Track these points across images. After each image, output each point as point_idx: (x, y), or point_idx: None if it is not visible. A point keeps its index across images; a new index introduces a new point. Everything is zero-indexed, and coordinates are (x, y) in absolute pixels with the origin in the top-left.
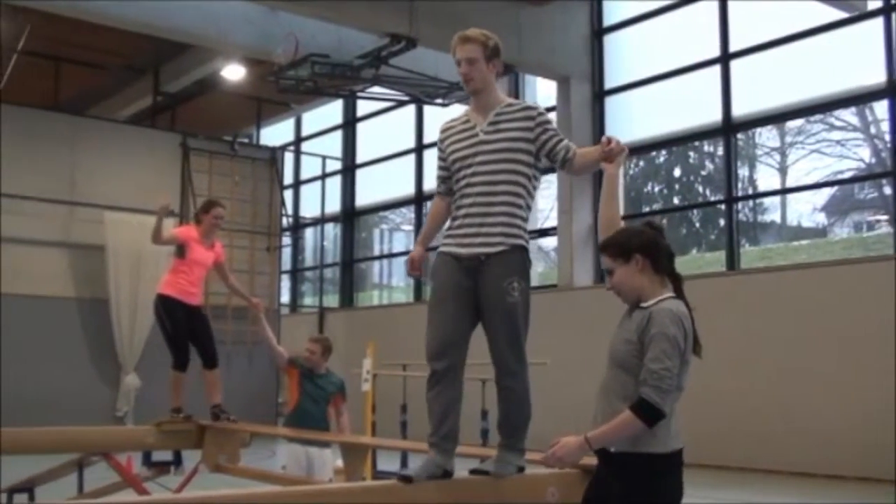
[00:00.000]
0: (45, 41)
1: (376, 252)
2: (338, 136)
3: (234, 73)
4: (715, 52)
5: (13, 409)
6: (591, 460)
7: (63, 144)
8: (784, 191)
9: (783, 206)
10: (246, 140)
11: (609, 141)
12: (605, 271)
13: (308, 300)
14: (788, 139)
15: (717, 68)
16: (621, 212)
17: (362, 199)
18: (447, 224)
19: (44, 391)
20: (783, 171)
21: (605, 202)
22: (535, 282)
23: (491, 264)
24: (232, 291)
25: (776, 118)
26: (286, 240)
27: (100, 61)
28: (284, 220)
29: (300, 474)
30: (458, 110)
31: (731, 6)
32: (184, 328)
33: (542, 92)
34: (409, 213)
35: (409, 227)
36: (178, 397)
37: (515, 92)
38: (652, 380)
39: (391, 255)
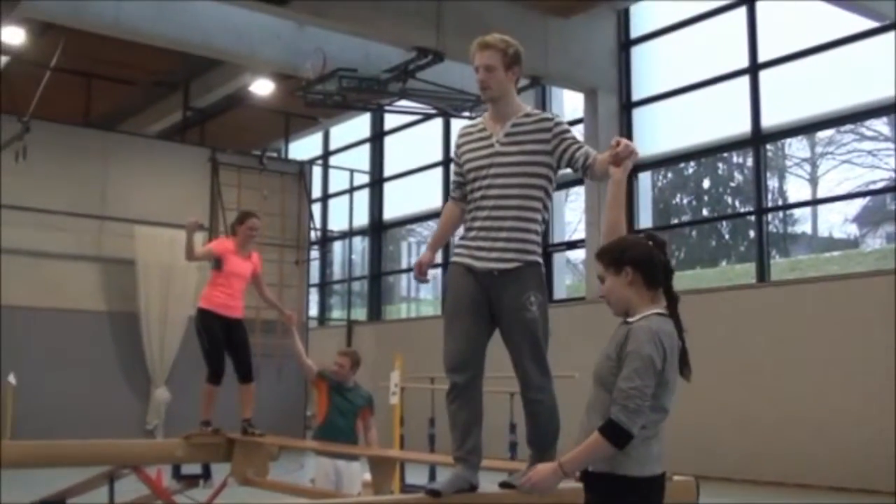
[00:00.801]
0: (76, 58)
1: (404, 265)
2: (365, 149)
3: (262, 88)
4: (744, 62)
5: (47, 421)
6: None
7: (94, 160)
8: (815, 202)
9: (814, 217)
10: (274, 154)
11: (618, 143)
12: (599, 279)
13: (336, 313)
14: (819, 150)
15: (745, 79)
16: (649, 222)
17: (390, 212)
18: (461, 233)
19: (76, 404)
20: (814, 181)
21: (610, 207)
22: (563, 294)
23: (505, 281)
24: (266, 303)
25: (806, 128)
26: (314, 253)
27: (130, 77)
28: (313, 234)
29: (329, 488)
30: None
31: (759, 16)
32: (220, 342)
33: (569, 104)
34: (436, 225)
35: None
36: (208, 410)
37: (542, 104)
38: (621, 399)
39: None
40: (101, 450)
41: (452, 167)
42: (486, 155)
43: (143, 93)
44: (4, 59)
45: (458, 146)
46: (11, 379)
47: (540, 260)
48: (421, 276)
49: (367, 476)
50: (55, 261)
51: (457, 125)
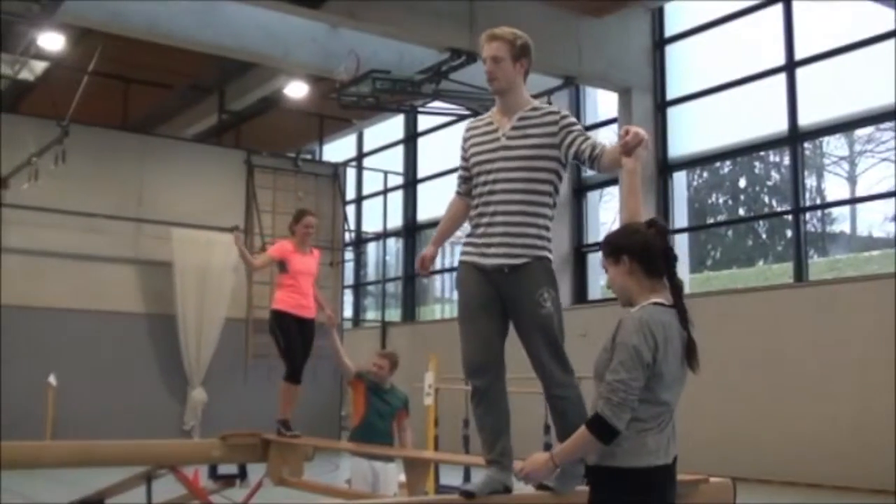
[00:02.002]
0: (114, 63)
1: (438, 266)
2: (399, 151)
3: (297, 90)
4: (780, 59)
5: (86, 422)
6: None
7: (132, 163)
8: (853, 200)
9: (853, 216)
10: (309, 156)
11: (626, 132)
12: (604, 269)
13: (370, 314)
14: (857, 147)
15: (782, 76)
16: (685, 222)
17: (424, 213)
18: (468, 230)
19: (114, 405)
20: (852, 180)
21: (626, 198)
22: (597, 294)
23: (516, 277)
24: (315, 301)
25: (844, 126)
26: (349, 254)
27: (167, 81)
28: (347, 235)
29: (365, 489)
30: None
31: (795, 13)
32: (296, 341)
33: (603, 104)
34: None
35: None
36: (286, 409)
37: (576, 104)
38: (605, 392)
39: (453, 269)
40: (138, 450)
41: (459, 161)
42: (493, 149)
43: (180, 96)
44: (44, 64)
45: (465, 140)
46: (52, 380)
47: (549, 255)
48: (423, 271)
49: (403, 477)
50: (94, 263)
51: None
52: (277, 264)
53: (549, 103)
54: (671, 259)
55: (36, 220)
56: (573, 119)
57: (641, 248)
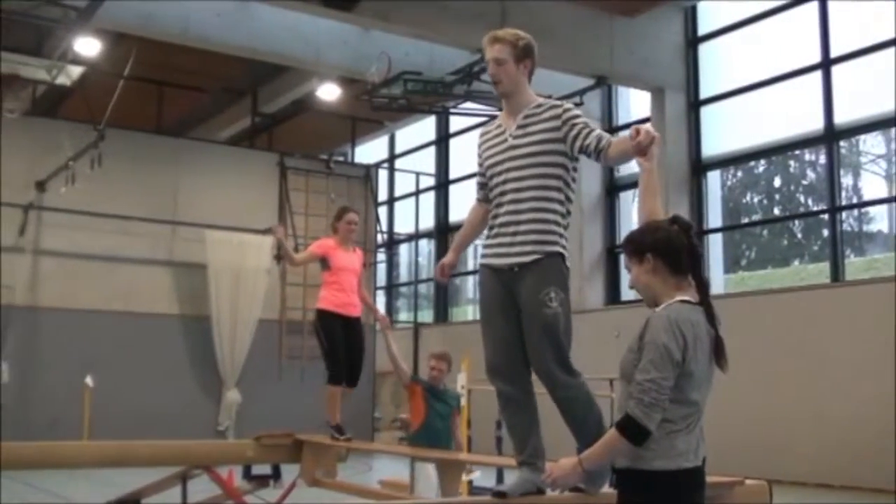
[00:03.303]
0: (148, 67)
1: (470, 267)
2: (431, 152)
3: (329, 92)
4: (815, 57)
5: (122, 422)
6: None
7: (166, 166)
8: (891, 199)
9: (890, 214)
10: (341, 158)
11: (638, 132)
12: (626, 268)
13: (403, 315)
14: (895, 145)
15: (817, 74)
16: (719, 222)
17: (456, 214)
18: (486, 233)
19: (150, 405)
20: (890, 178)
21: (643, 197)
22: (630, 295)
23: (525, 275)
24: (362, 301)
25: (881, 124)
26: (381, 256)
27: (200, 85)
28: (379, 237)
29: (429, 494)
30: None
31: (831, 10)
32: (340, 342)
33: (636, 103)
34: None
35: None
36: (335, 413)
37: (608, 104)
38: (636, 393)
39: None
40: (174, 450)
41: (476, 168)
42: (502, 150)
43: (213, 100)
44: (80, 69)
45: (479, 146)
46: (89, 381)
47: (562, 251)
48: (443, 278)
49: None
50: (129, 265)
51: None
52: (320, 261)
53: (581, 103)
54: (696, 256)
55: (73, 223)
56: (577, 112)
57: (665, 246)
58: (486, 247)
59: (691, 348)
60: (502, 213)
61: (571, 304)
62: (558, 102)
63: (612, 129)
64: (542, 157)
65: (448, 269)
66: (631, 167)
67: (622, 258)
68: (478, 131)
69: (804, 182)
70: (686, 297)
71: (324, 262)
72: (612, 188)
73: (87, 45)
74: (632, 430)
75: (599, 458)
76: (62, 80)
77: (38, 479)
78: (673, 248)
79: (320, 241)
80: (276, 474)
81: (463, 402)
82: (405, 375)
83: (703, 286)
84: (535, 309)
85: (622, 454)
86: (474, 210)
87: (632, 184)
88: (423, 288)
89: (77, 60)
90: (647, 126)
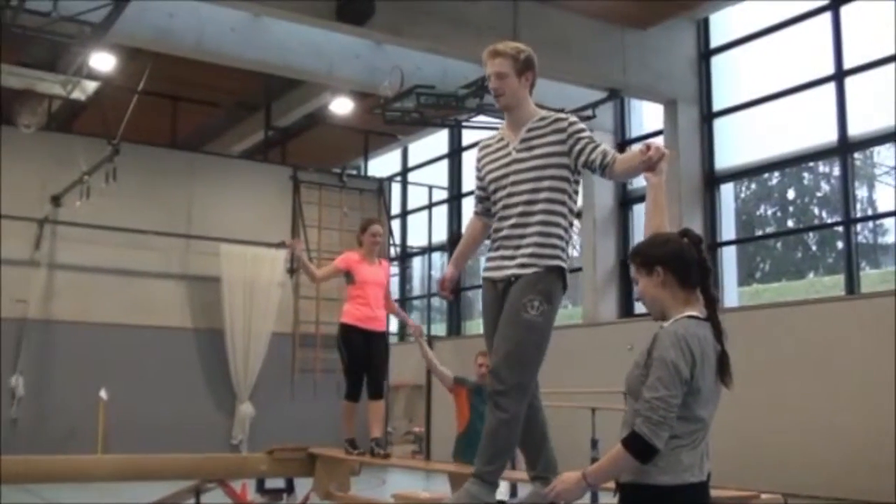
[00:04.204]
0: (162, 81)
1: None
2: (443, 165)
3: (341, 106)
4: (829, 69)
5: (136, 436)
6: None
7: (180, 180)
8: None
9: None
10: (354, 172)
11: (648, 148)
12: (633, 281)
13: None
14: None
15: (831, 86)
16: (732, 234)
17: None
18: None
19: (163, 418)
20: None
21: (651, 213)
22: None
23: (518, 283)
24: (391, 313)
25: None
26: (394, 269)
27: (214, 99)
28: (392, 250)
29: None
30: None
31: (844, 22)
32: (361, 358)
33: (649, 116)
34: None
35: None
36: (350, 428)
37: (621, 116)
38: (644, 410)
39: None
40: (188, 464)
41: (475, 181)
42: (506, 164)
43: (227, 114)
44: (95, 84)
45: (479, 160)
46: (103, 394)
47: (562, 265)
48: (443, 292)
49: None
50: (143, 279)
51: None
52: (344, 275)
53: (594, 116)
54: (705, 270)
55: (87, 237)
56: (582, 126)
57: (676, 259)
58: (488, 259)
59: (699, 365)
60: (506, 227)
61: (588, 317)
62: (563, 115)
63: (625, 142)
64: (546, 171)
65: (449, 283)
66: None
67: (631, 270)
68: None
69: (818, 194)
70: (694, 313)
71: (348, 276)
72: (626, 201)
73: (102, 61)
74: (639, 447)
75: (604, 473)
76: (77, 95)
77: (53, 492)
78: (683, 262)
79: (344, 255)
80: (290, 488)
81: None
82: (447, 379)
83: (711, 301)
84: (512, 312)
85: (628, 470)
86: (473, 223)
87: (644, 196)
88: (436, 301)
89: (92, 76)
90: (657, 142)
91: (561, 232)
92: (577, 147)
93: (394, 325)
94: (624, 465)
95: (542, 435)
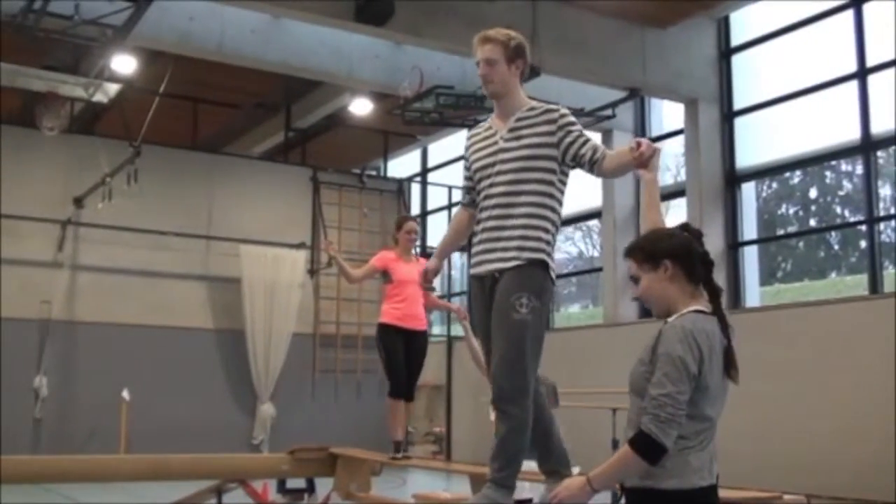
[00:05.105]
0: (183, 84)
1: None
2: (463, 166)
3: (361, 107)
4: (851, 67)
5: (157, 436)
6: None
7: (201, 181)
8: None
9: None
10: (374, 172)
11: (639, 144)
12: (632, 279)
13: (436, 329)
14: None
15: (853, 84)
16: (754, 234)
17: None
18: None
19: (185, 419)
20: None
21: (647, 211)
22: None
23: (503, 280)
24: (433, 307)
25: None
26: None
27: (234, 101)
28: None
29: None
30: None
31: (867, 19)
32: (400, 355)
33: (669, 115)
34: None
35: None
36: (396, 429)
37: (641, 116)
38: (651, 408)
39: None
40: (209, 464)
41: (463, 171)
42: (492, 153)
43: (247, 115)
44: (117, 87)
45: (467, 149)
46: (125, 395)
47: (546, 259)
48: (426, 284)
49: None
50: (164, 280)
51: None
52: (381, 275)
53: (613, 115)
54: (708, 263)
55: (109, 238)
56: (572, 119)
57: (683, 252)
58: (472, 255)
59: (707, 360)
60: (489, 219)
61: (608, 318)
62: (553, 107)
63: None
64: (533, 163)
65: (431, 275)
66: (664, 177)
67: (628, 269)
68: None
69: (840, 193)
70: (700, 307)
71: (385, 275)
72: None
73: (124, 63)
74: (647, 447)
75: (610, 477)
76: (99, 97)
77: (75, 492)
78: (690, 255)
79: (380, 255)
80: (311, 488)
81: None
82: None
83: (715, 295)
84: (502, 313)
85: (635, 473)
86: (459, 214)
87: (664, 196)
88: (455, 301)
89: (114, 78)
90: (648, 140)
91: (547, 225)
92: (567, 140)
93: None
94: (631, 468)
95: (546, 431)
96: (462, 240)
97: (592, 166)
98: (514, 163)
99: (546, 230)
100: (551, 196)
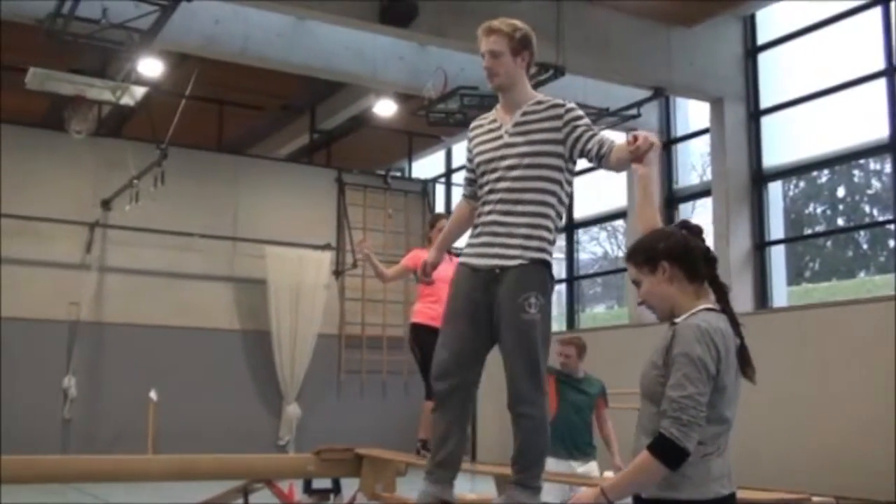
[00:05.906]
0: (209, 86)
1: None
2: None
3: (385, 108)
4: (879, 65)
5: (184, 436)
6: None
7: (227, 183)
8: None
9: None
10: (398, 173)
11: (635, 138)
12: (634, 283)
13: None
14: None
15: (881, 82)
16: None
17: None
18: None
19: (211, 419)
20: None
21: (641, 206)
22: None
23: (506, 279)
24: None
25: None
26: None
27: (259, 103)
28: None
29: (558, 495)
30: None
31: (894, 16)
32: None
33: (695, 114)
34: (558, 241)
35: (560, 256)
36: (427, 428)
37: (666, 115)
38: (671, 411)
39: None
40: (236, 464)
41: (465, 163)
42: (496, 147)
43: (272, 117)
44: (143, 90)
45: (470, 140)
46: (153, 395)
47: (548, 258)
48: (425, 277)
49: (609, 473)
50: (191, 281)
51: None
52: (413, 274)
53: (639, 115)
54: (711, 260)
55: (136, 240)
56: (580, 112)
57: (681, 252)
58: (468, 245)
59: (724, 360)
60: (492, 213)
61: (634, 318)
62: (560, 101)
63: (671, 141)
64: (539, 159)
65: (430, 269)
66: (690, 176)
67: (629, 273)
68: None
69: (869, 192)
70: (710, 305)
71: (417, 274)
72: (671, 200)
73: (151, 67)
74: (669, 452)
75: (627, 487)
76: (126, 100)
77: (104, 491)
78: (689, 254)
79: (413, 254)
80: (337, 488)
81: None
82: None
83: (722, 292)
84: (511, 314)
85: (655, 481)
86: (460, 207)
87: (690, 195)
88: None
89: (140, 81)
90: (646, 132)
91: (550, 224)
92: (574, 135)
93: None
94: (651, 475)
95: (456, 426)
96: (462, 233)
97: (599, 161)
98: (520, 158)
99: (549, 229)
100: (556, 193)
